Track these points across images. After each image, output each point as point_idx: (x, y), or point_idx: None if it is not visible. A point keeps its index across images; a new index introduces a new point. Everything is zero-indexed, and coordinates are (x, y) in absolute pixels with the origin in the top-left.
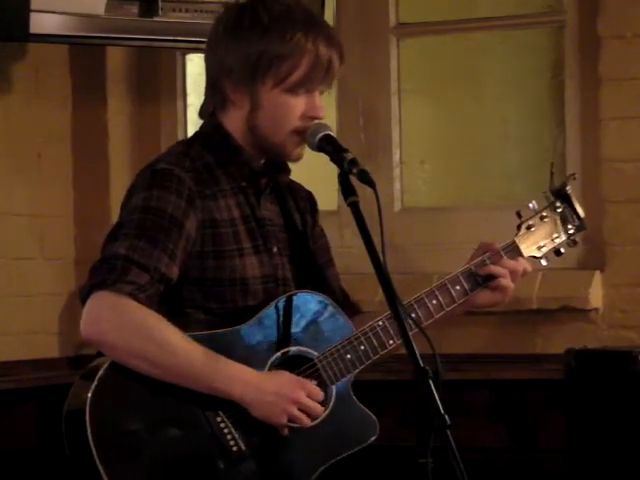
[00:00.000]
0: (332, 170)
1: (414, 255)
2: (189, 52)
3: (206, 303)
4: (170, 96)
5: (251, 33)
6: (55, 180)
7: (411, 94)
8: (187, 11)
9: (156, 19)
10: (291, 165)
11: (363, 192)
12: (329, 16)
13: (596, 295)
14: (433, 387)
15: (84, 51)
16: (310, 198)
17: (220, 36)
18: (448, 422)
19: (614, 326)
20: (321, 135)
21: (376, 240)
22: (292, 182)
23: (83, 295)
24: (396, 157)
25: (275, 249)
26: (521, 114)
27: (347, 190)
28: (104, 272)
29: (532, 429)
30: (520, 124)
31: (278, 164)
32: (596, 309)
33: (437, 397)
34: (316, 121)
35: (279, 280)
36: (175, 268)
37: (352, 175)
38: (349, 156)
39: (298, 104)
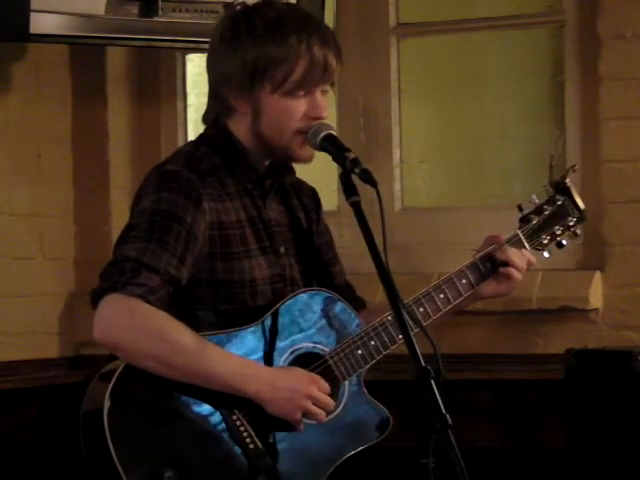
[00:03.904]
0: (332, 170)
1: (414, 255)
2: (189, 52)
3: (217, 304)
4: (170, 96)
5: (246, 40)
6: (55, 180)
7: (411, 94)
8: (187, 11)
9: (156, 19)
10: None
11: (363, 192)
12: (329, 16)
13: (596, 295)
14: (435, 387)
15: (84, 51)
16: (314, 195)
17: (218, 46)
18: (450, 422)
19: (614, 326)
20: (323, 135)
21: (377, 240)
22: (296, 179)
23: (94, 299)
24: (396, 157)
25: (282, 249)
26: (521, 114)
27: (349, 189)
28: (114, 275)
29: (532, 429)
30: (520, 124)
31: (283, 165)
32: (596, 309)
33: (439, 397)
34: (318, 121)
35: (287, 280)
36: (184, 270)
37: (354, 175)
38: (351, 155)
39: (299, 106)
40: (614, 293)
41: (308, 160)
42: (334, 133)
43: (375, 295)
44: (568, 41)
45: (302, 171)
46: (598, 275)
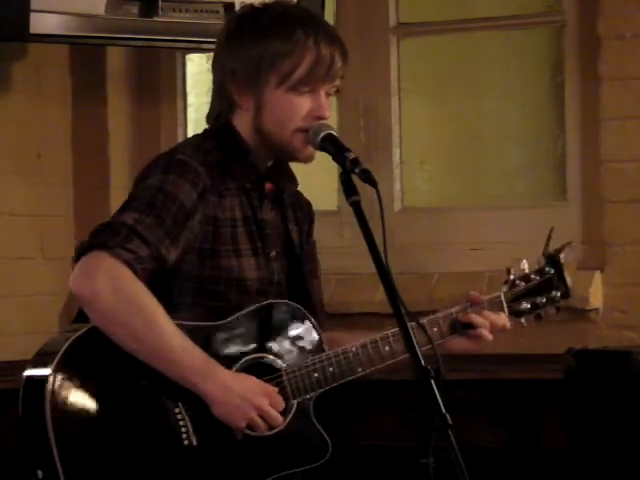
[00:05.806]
0: (332, 170)
1: (414, 255)
2: (189, 52)
3: (199, 300)
4: (170, 96)
5: (252, 35)
6: (55, 180)
7: (411, 94)
8: (187, 11)
9: (156, 19)
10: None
11: (363, 192)
12: (329, 16)
13: (596, 295)
14: (435, 387)
15: (84, 51)
16: (309, 208)
17: (224, 44)
18: (450, 422)
19: (614, 326)
20: (323, 134)
21: (377, 240)
22: (295, 191)
23: (79, 251)
24: (396, 157)
25: (273, 253)
26: (521, 114)
27: (349, 189)
28: (107, 235)
29: (532, 429)
30: (520, 124)
31: (286, 174)
32: (596, 309)
33: (439, 397)
34: (320, 121)
35: (274, 284)
36: (174, 253)
37: (354, 174)
38: (351, 155)
39: (303, 103)
40: (614, 293)
41: (308, 159)
42: (334, 133)
43: (375, 295)
44: (568, 41)
45: (302, 171)
46: (598, 275)
